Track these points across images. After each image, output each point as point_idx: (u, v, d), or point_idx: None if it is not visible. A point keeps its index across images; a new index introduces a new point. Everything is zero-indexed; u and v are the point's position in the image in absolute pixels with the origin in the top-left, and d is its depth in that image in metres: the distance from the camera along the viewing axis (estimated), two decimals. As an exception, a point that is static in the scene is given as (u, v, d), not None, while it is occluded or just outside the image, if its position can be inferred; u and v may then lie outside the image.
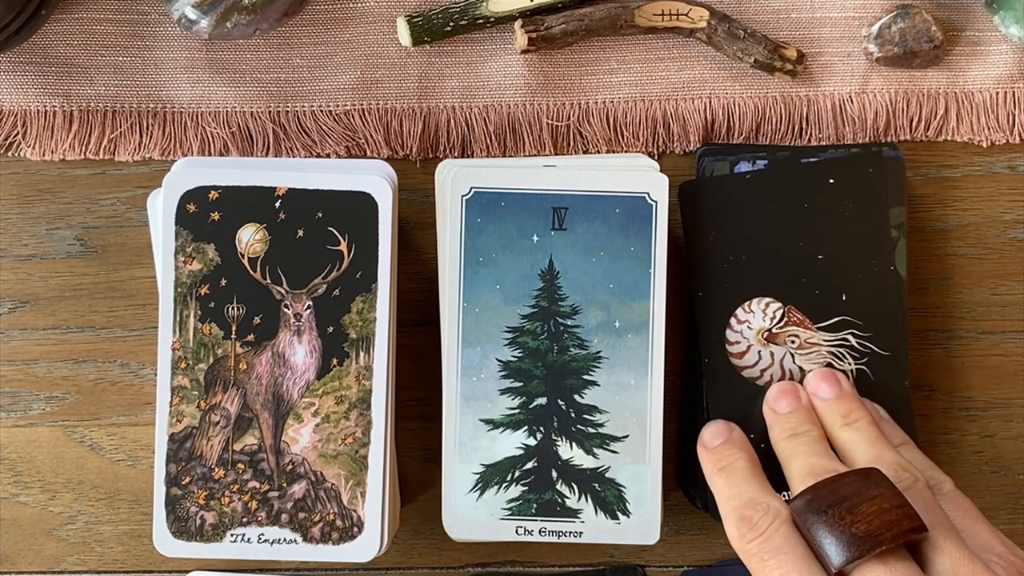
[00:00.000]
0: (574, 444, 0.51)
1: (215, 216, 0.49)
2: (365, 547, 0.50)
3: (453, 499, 0.51)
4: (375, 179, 0.49)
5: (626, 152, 0.55)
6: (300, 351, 0.50)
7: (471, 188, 0.50)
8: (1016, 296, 0.57)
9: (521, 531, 0.51)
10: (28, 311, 0.56)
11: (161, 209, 0.49)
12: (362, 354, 0.50)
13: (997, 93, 0.56)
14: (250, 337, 0.49)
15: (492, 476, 0.51)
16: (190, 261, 0.49)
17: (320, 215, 0.49)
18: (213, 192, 0.49)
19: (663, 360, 0.51)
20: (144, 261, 0.55)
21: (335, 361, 0.50)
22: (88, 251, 0.56)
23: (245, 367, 0.49)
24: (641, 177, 0.51)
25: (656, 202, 0.50)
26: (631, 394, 0.51)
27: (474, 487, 0.51)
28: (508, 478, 0.51)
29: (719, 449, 0.49)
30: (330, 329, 0.49)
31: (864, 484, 0.42)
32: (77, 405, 0.56)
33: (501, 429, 0.51)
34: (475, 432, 0.51)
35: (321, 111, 0.55)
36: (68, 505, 0.56)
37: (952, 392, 0.57)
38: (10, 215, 0.56)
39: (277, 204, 0.49)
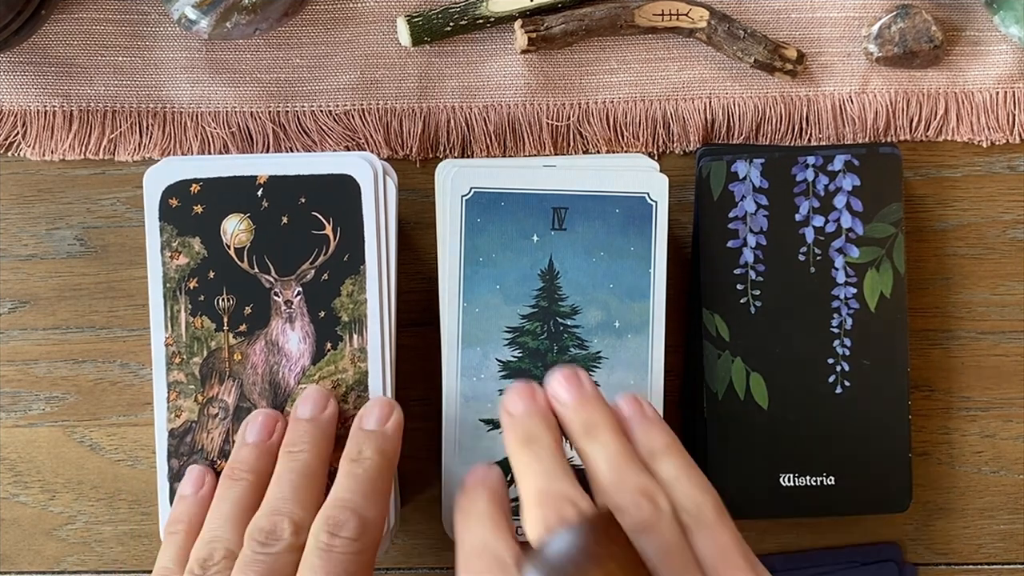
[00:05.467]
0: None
1: (198, 209, 0.49)
2: None
3: (453, 499, 0.51)
4: (356, 160, 0.49)
5: (626, 152, 0.55)
6: (293, 338, 0.49)
7: (471, 188, 0.50)
8: (1016, 296, 0.57)
9: (522, 532, 0.51)
10: (28, 311, 0.56)
11: (145, 206, 0.49)
12: (356, 336, 0.49)
13: (997, 93, 0.56)
14: (242, 327, 0.49)
15: None
16: (176, 256, 0.49)
17: (303, 200, 0.49)
18: (195, 185, 0.49)
19: (663, 360, 0.51)
20: (144, 261, 0.55)
21: (329, 345, 0.49)
22: (88, 251, 0.56)
23: (240, 358, 0.49)
24: (641, 177, 0.51)
25: (656, 202, 0.50)
26: None
27: None
28: (509, 479, 0.51)
29: (524, 420, 0.44)
30: (322, 314, 0.49)
31: (596, 544, 0.37)
32: (77, 405, 0.56)
33: (501, 430, 0.51)
34: (475, 433, 0.51)
35: (321, 111, 0.55)
36: (68, 505, 0.56)
37: (952, 392, 0.57)
38: (10, 215, 0.56)
39: (259, 193, 0.49)
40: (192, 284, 0.49)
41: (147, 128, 0.55)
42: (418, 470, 0.56)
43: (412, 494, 0.56)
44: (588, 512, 0.39)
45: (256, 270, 0.49)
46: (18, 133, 0.55)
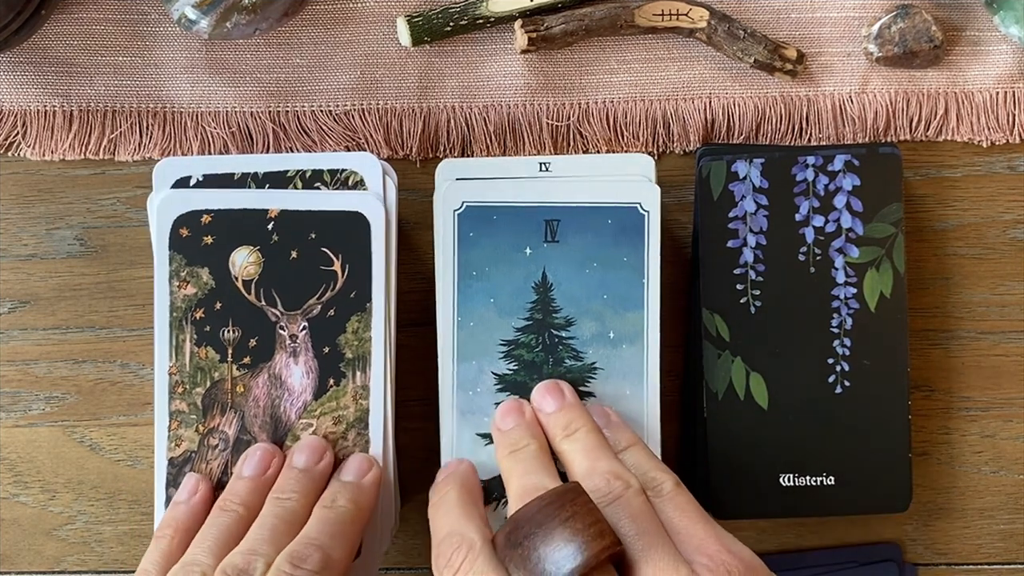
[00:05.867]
0: None
1: (208, 240, 0.49)
2: (363, 569, 0.49)
3: None
4: (367, 198, 0.49)
5: (626, 152, 0.55)
6: (297, 372, 0.49)
7: (463, 202, 0.50)
8: (1016, 296, 0.57)
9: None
10: (28, 311, 0.56)
11: (155, 234, 0.49)
12: (359, 373, 0.49)
13: (997, 93, 0.56)
14: (246, 360, 0.49)
15: (492, 491, 0.50)
16: (184, 285, 0.49)
17: (313, 236, 0.49)
18: (206, 216, 0.49)
19: (658, 369, 0.51)
20: (144, 261, 0.55)
21: (332, 381, 0.49)
22: (88, 251, 0.56)
23: (242, 390, 0.49)
24: (633, 187, 0.50)
25: (648, 212, 0.50)
26: (627, 404, 0.50)
27: None
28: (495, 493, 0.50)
29: (512, 432, 0.48)
30: (326, 349, 0.49)
31: (559, 506, 0.40)
32: (77, 405, 0.56)
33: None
34: (473, 447, 0.50)
35: (321, 111, 0.55)
36: (68, 505, 0.56)
37: (952, 392, 0.57)
38: (10, 215, 0.56)
39: (269, 226, 0.49)
40: (199, 314, 0.49)
41: (147, 128, 0.55)
42: (418, 470, 0.56)
43: (412, 494, 0.56)
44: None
45: (263, 303, 0.49)
46: (18, 133, 0.55)
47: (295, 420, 0.49)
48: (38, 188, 0.56)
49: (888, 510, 0.54)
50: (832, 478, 0.53)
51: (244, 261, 0.49)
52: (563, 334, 0.50)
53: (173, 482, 0.49)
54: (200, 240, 0.49)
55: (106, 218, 0.56)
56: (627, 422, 0.49)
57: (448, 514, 0.45)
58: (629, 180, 0.51)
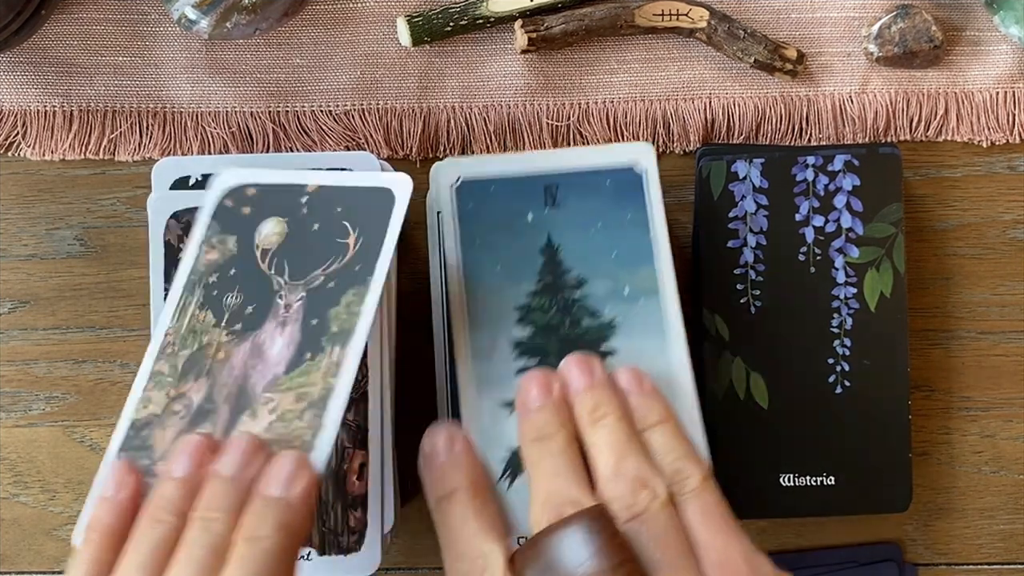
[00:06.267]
0: None
1: (246, 211, 0.49)
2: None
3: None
4: (400, 176, 0.47)
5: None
6: (279, 343, 0.47)
7: (459, 177, 0.50)
8: (1016, 296, 0.57)
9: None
10: (28, 311, 0.56)
11: (207, 203, 0.48)
12: (337, 348, 0.46)
13: (997, 93, 0.56)
14: (238, 326, 0.47)
15: (516, 464, 0.48)
16: (210, 251, 0.48)
17: (339, 209, 0.48)
18: (251, 189, 0.49)
19: (681, 321, 0.49)
20: (144, 261, 0.55)
21: (309, 355, 0.46)
22: (88, 251, 0.56)
23: (223, 356, 0.47)
24: (626, 150, 0.50)
25: (645, 170, 0.50)
26: (652, 360, 0.48)
27: (504, 475, 0.48)
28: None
29: (538, 415, 0.44)
30: (315, 321, 0.47)
31: (584, 537, 0.39)
32: (77, 405, 0.56)
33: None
34: (495, 417, 0.48)
35: (321, 111, 0.55)
36: (68, 505, 0.56)
37: (952, 392, 0.57)
38: (10, 215, 0.56)
39: (303, 199, 0.49)
40: (212, 279, 0.48)
41: (147, 128, 0.55)
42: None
43: (412, 494, 0.56)
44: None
45: (272, 272, 0.48)
46: (18, 133, 0.55)
47: (260, 393, 0.46)
48: (38, 188, 0.56)
49: (888, 510, 0.54)
50: (832, 478, 0.53)
51: (269, 232, 0.48)
52: (577, 294, 0.49)
53: (128, 446, 0.45)
54: (240, 211, 0.48)
55: (106, 218, 0.56)
56: (659, 389, 0.46)
57: (464, 525, 0.42)
58: (621, 144, 0.50)
